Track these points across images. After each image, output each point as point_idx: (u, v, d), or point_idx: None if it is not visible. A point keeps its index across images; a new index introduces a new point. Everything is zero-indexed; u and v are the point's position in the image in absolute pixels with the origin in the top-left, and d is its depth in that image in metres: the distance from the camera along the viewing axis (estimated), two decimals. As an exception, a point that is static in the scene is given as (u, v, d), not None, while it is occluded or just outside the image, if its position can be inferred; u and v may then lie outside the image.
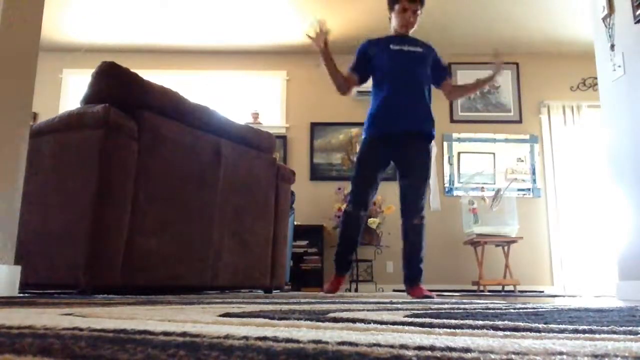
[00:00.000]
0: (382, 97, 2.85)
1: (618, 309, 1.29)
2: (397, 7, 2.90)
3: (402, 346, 0.43)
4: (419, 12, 2.90)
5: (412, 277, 2.71)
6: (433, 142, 2.96)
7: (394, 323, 0.68)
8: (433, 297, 2.46)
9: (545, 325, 0.68)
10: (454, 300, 1.94)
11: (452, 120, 5.99)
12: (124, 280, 2.10)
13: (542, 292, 5.29)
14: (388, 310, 1.05)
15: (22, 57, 2.03)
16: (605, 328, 0.65)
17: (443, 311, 1.04)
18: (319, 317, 0.79)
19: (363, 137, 2.93)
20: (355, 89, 3.03)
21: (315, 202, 5.60)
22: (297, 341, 0.44)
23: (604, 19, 3.16)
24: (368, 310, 1.04)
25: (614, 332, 0.59)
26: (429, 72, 2.95)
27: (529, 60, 6.05)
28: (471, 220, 5.18)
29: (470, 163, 5.88)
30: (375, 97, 2.92)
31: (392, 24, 2.98)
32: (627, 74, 2.95)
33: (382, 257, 5.32)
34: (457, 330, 0.58)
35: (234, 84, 6.12)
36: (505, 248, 5.16)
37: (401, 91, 2.84)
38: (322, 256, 5.21)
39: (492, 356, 0.38)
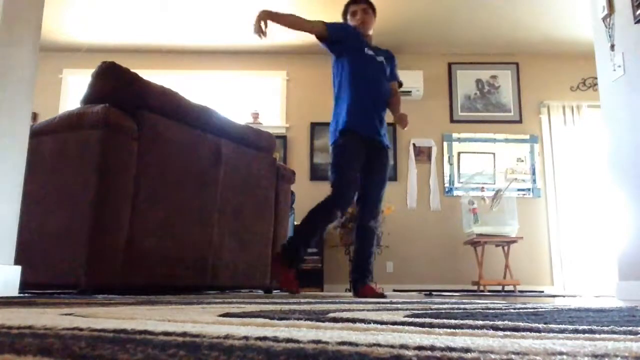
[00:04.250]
0: (359, 97, 2.78)
1: (618, 309, 1.29)
2: (348, 16, 2.96)
3: (402, 346, 0.43)
4: (369, 10, 2.94)
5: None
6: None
7: (394, 323, 0.68)
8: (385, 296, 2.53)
9: (545, 325, 0.68)
10: (454, 300, 1.94)
11: (452, 120, 5.99)
12: (124, 280, 2.10)
13: (542, 292, 5.28)
14: (388, 310, 1.06)
15: (22, 57, 2.03)
16: (605, 328, 0.65)
17: (443, 311, 1.04)
18: (319, 317, 0.79)
19: (341, 130, 2.73)
20: None
21: (315, 202, 5.58)
22: (297, 341, 0.44)
23: (604, 19, 3.16)
24: (368, 310, 1.04)
25: (614, 332, 0.59)
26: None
27: (529, 60, 6.05)
28: (471, 220, 5.18)
29: (470, 163, 5.87)
30: (350, 92, 2.78)
31: None
32: (627, 74, 2.95)
33: (382, 257, 5.30)
34: (457, 330, 0.58)
35: (234, 84, 6.12)
36: (505, 248, 5.16)
37: (374, 102, 2.85)
38: (322, 256, 5.20)
39: (492, 356, 0.38)
